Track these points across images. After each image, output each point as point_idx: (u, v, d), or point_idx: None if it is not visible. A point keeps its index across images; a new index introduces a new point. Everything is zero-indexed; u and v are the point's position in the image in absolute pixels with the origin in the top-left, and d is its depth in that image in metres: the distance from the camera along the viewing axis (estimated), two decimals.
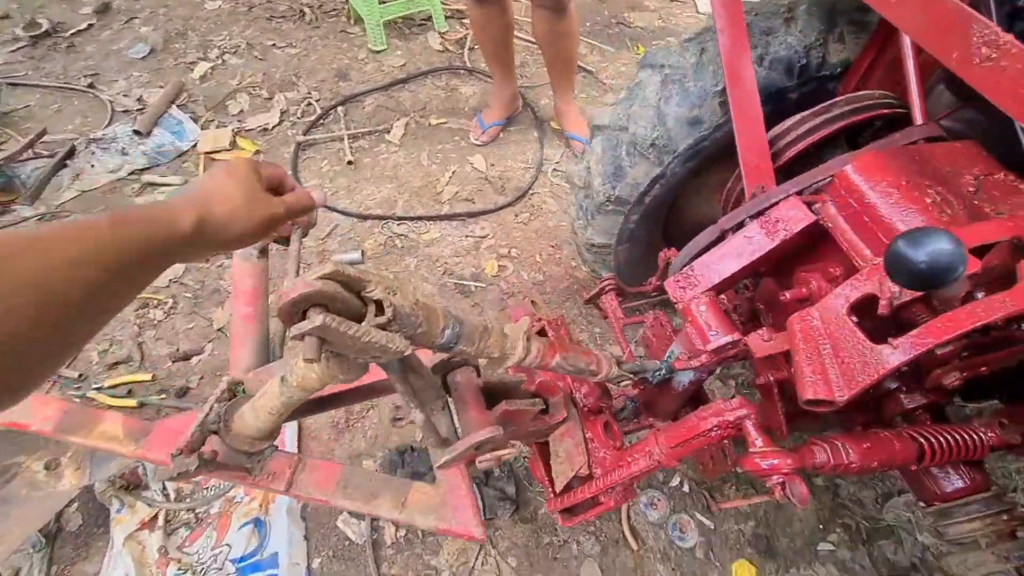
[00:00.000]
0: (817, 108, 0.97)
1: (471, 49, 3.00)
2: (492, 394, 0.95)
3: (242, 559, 1.39)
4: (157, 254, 0.50)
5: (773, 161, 0.90)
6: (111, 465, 1.50)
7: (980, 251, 0.64)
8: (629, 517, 1.46)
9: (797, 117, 0.98)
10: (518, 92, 2.58)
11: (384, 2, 2.96)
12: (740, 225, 0.82)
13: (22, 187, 2.37)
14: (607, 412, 0.97)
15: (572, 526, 0.95)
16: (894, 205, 0.68)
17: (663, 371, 0.87)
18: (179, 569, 1.37)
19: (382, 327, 0.55)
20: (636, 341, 1.75)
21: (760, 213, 0.79)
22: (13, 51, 3.20)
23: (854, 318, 0.64)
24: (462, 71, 2.89)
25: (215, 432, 0.77)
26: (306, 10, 3.33)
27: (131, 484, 1.49)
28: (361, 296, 0.56)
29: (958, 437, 0.88)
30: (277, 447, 0.92)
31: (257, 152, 2.54)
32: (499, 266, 2.04)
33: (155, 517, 1.46)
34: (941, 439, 0.86)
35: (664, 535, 1.46)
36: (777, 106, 1.10)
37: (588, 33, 3.13)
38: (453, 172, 2.38)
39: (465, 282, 1.99)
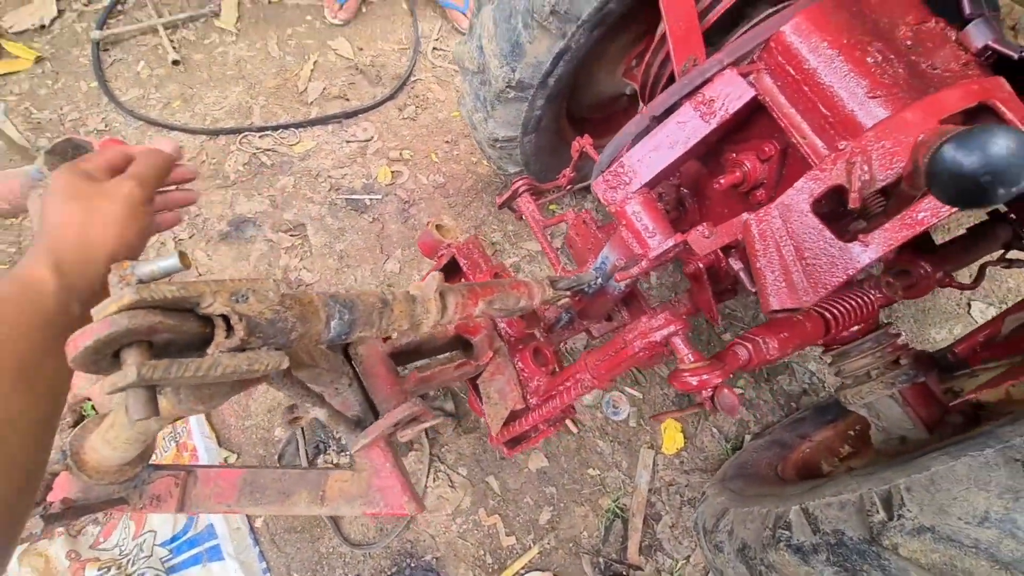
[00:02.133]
0: None
1: None
2: (403, 353, 0.86)
3: (173, 539, 1.27)
4: (45, 338, 0.41)
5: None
6: None
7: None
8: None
9: None
10: None
11: None
12: (671, 109, 0.72)
13: None
14: (539, 333, 0.92)
15: (517, 454, 0.94)
16: (836, 71, 0.62)
17: (599, 281, 0.81)
18: (99, 569, 1.23)
19: (238, 349, 0.40)
20: (561, 243, 1.70)
21: (693, 92, 0.70)
22: None
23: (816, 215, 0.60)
24: None
25: (66, 469, 0.60)
26: None
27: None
28: (198, 314, 0.40)
29: (853, 303, 0.94)
30: (155, 466, 0.78)
31: (39, 59, 1.92)
32: (392, 172, 1.81)
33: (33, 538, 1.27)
34: (840, 309, 0.92)
35: (600, 414, 1.55)
36: None
37: None
38: (315, 63, 1.99)
39: (357, 196, 1.76)
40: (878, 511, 0.72)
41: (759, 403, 1.66)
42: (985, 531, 0.59)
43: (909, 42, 0.63)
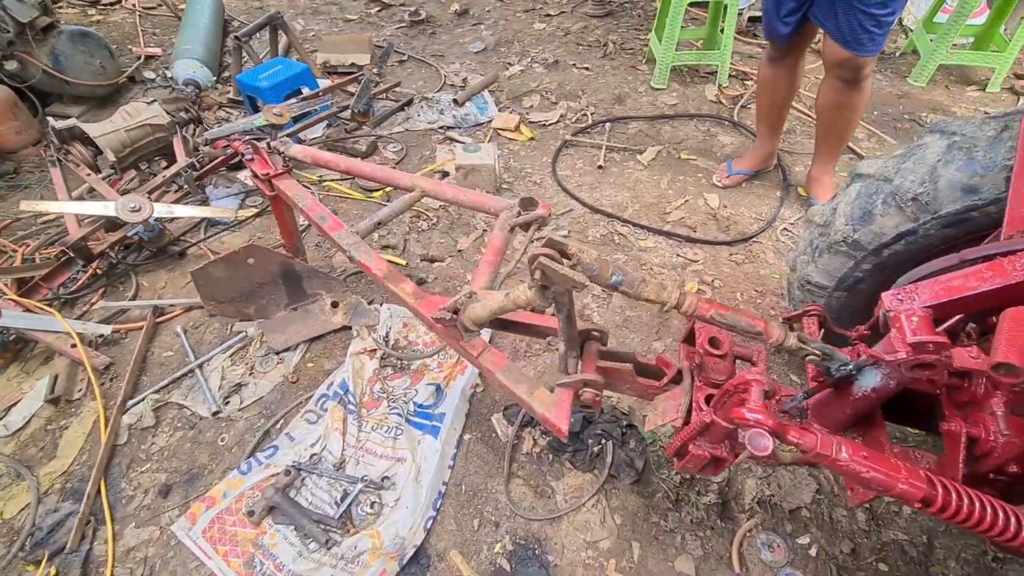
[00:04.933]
0: None
1: (743, 107, 3.16)
2: (611, 355, 1.24)
3: (421, 406, 1.76)
4: None
5: None
6: (363, 319, 2.04)
7: None
8: (742, 544, 1.45)
9: None
10: (776, 153, 2.66)
11: (680, 50, 3.30)
12: (986, 258, 0.85)
13: (372, 115, 3.24)
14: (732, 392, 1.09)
15: (679, 469, 1.06)
16: None
17: (850, 367, 0.93)
18: (381, 389, 1.80)
19: (572, 267, 0.91)
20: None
21: (1011, 252, 0.82)
22: (398, 28, 4.37)
23: None
24: (727, 122, 3.07)
25: (457, 311, 1.15)
26: (610, 44, 3.87)
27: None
28: (565, 253, 0.92)
29: (996, 512, 0.75)
30: (480, 334, 1.26)
31: (532, 139, 3.07)
32: (699, 288, 2.15)
33: (374, 351, 1.93)
34: (970, 502, 0.75)
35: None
36: None
37: (874, 121, 3.05)
38: (686, 200, 2.57)
39: None
40: None
41: None
42: None
43: None
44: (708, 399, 1.06)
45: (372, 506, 1.53)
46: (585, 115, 3.21)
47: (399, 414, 1.73)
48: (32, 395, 1.91)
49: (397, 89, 3.48)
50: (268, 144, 1.71)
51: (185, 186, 2.44)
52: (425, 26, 4.36)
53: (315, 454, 1.66)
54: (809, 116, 3.07)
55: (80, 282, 2.25)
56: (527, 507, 1.55)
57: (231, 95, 3.53)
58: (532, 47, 3.99)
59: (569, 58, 3.79)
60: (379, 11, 4.63)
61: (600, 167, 2.80)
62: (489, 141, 3.05)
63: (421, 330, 2.01)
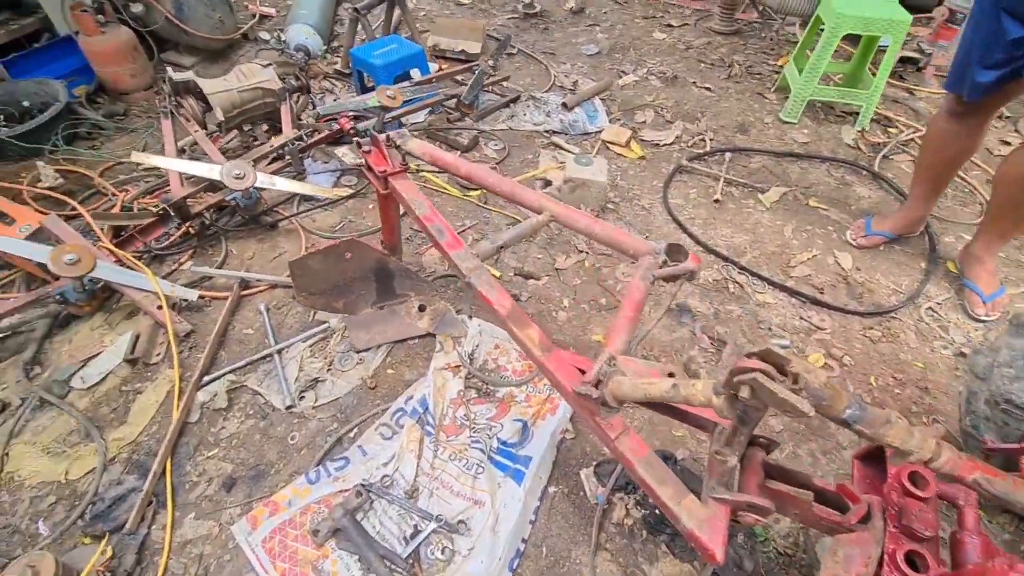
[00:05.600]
0: None
1: (885, 157, 2.83)
2: (779, 471, 1.03)
3: (504, 443, 1.60)
4: None
5: None
6: (449, 328, 1.90)
7: None
8: None
9: None
10: (927, 218, 2.34)
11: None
12: None
13: (476, 107, 3.09)
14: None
15: None
16: None
17: None
18: (465, 415, 1.66)
19: (794, 391, 0.72)
20: None
21: None
22: (510, 18, 4.21)
23: None
24: (865, 171, 2.75)
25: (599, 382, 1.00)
26: (735, 65, 3.58)
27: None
28: (782, 369, 0.74)
29: None
30: (619, 411, 1.07)
31: (642, 158, 2.85)
32: (825, 364, 1.89)
33: (458, 368, 1.79)
34: None
35: None
36: None
37: None
38: (813, 255, 2.30)
39: None
40: None
41: None
42: None
43: None
44: (911, 560, 0.84)
45: (443, 551, 1.38)
46: (703, 140, 2.95)
47: (481, 449, 1.57)
48: (112, 351, 1.87)
49: (505, 83, 3.32)
50: (387, 136, 1.58)
51: (288, 157, 2.36)
52: (538, 20, 4.19)
53: (387, 475, 1.53)
54: (966, 181, 2.70)
55: (172, 239, 2.21)
56: None
57: (338, 66, 3.48)
58: (649, 57, 3.74)
59: (689, 75, 3.53)
60: None
61: (717, 201, 2.55)
62: (597, 154, 2.85)
63: (513, 354, 1.85)
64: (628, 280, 1.29)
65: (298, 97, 2.91)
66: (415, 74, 3.01)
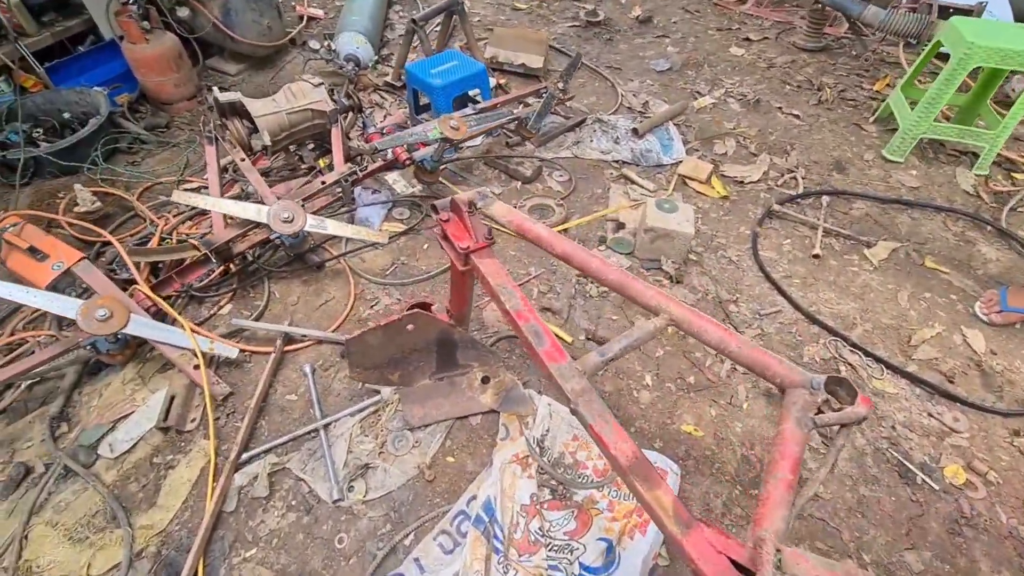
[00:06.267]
0: None
1: (1012, 209, 2.45)
2: None
3: (587, 568, 1.36)
4: None
5: None
6: (515, 406, 1.65)
7: None
8: None
9: None
10: None
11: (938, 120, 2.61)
12: None
13: (536, 131, 2.82)
14: None
15: None
16: None
17: None
18: (540, 529, 1.41)
19: None
20: None
21: None
22: (571, 26, 3.91)
23: None
24: (989, 227, 2.39)
25: None
26: (825, 89, 3.21)
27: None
28: None
29: None
30: None
31: (725, 198, 2.54)
32: (966, 479, 1.58)
33: (527, 459, 1.54)
34: None
35: None
36: None
37: None
38: (938, 333, 1.97)
39: (909, 467, 1.60)
40: None
41: None
42: None
43: None
44: None
45: None
46: (795, 179, 2.62)
47: (563, 575, 1.33)
48: (144, 413, 1.69)
49: (569, 103, 3.04)
50: (470, 203, 1.33)
51: (339, 192, 2.14)
52: (601, 29, 3.87)
53: None
54: None
55: (211, 277, 2.02)
56: None
57: (389, 78, 3.25)
58: (727, 76, 3.40)
59: (774, 98, 3.18)
60: (553, 2, 4.19)
61: (816, 256, 2.24)
62: (674, 190, 2.55)
63: (594, 448, 1.59)
64: (781, 416, 1.01)
65: (347, 115, 2.69)
66: (474, 94, 2.75)
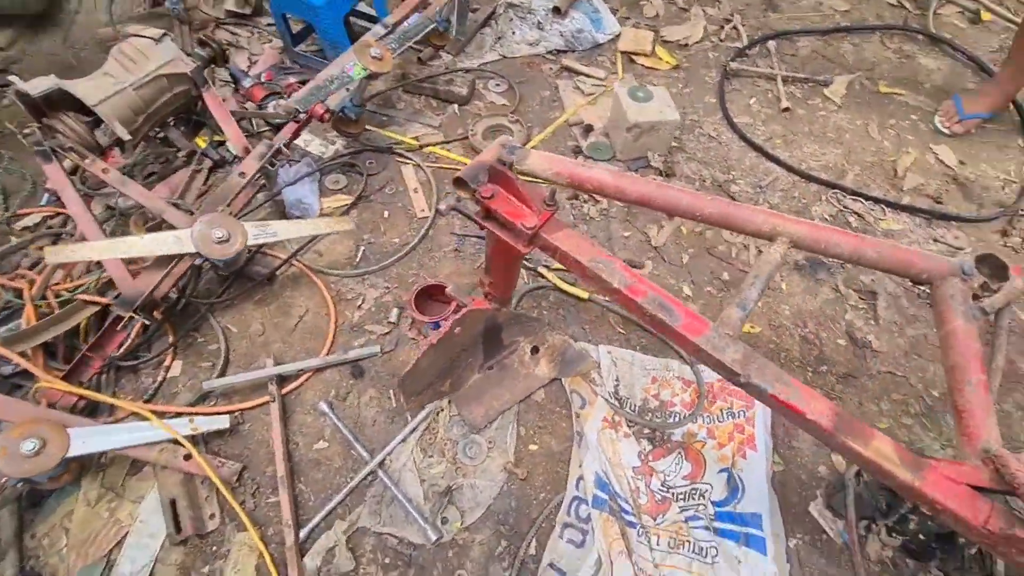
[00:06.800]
0: None
1: (936, 14, 2.50)
2: None
3: (719, 504, 1.32)
4: None
5: None
6: (574, 366, 1.49)
7: None
8: None
9: None
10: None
11: None
12: None
13: (463, 37, 2.35)
14: None
15: None
16: None
17: None
18: (663, 485, 1.33)
19: None
20: None
21: None
22: None
23: None
24: (920, 36, 2.43)
25: None
26: None
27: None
28: None
29: None
30: None
31: (676, 67, 2.34)
32: None
33: (616, 420, 1.43)
34: None
35: None
36: None
37: None
38: (914, 159, 2.03)
39: None
40: None
41: None
42: None
43: None
44: None
45: None
46: (735, 28, 2.46)
47: (704, 525, 1.28)
48: (141, 531, 1.32)
49: None
50: (500, 160, 1.02)
51: (263, 181, 1.65)
52: None
53: None
54: None
55: (131, 340, 1.53)
56: None
57: (230, 5, 2.49)
58: None
59: None
60: None
61: (785, 109, 2.16)
62: (624, 72, 2.30)
63: (677, 384, 1.50)
64: (939, 313, 0.94)
65: (211, 70, 2.04)
66: (364, 8, 2.19)
